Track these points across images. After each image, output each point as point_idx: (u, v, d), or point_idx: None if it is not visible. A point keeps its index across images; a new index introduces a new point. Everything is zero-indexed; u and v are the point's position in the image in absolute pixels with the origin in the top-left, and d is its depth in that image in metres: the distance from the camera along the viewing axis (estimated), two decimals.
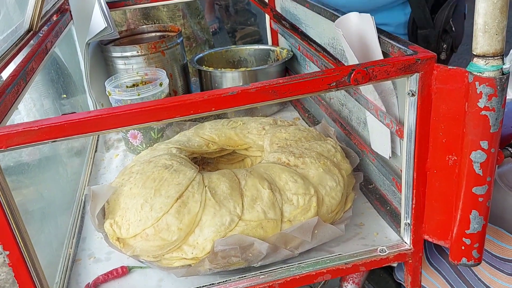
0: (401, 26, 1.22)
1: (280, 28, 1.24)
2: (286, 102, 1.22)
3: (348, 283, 1.01)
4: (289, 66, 1.22)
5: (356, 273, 0.99)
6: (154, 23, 1.65)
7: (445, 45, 1.18)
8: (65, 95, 1.00)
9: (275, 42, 1.35)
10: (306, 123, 1.13)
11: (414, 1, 1.14)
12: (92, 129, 0.50)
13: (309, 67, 1.11)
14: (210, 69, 1.13)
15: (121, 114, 0.49)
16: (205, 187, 0.69)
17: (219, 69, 1.14)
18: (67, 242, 0.77)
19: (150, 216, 0.66)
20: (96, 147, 1.09)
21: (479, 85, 0.51)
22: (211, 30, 3.59)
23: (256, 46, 1.31)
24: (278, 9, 1.27)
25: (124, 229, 0.68)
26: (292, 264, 0.68)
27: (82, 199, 0.89)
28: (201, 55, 1.25)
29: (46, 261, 0.69)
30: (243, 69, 1.12)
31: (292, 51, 1.19)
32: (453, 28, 1.18)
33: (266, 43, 1.37)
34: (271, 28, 1.32)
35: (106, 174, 0.98)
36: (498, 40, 0.49)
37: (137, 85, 1.02)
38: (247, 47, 1.31)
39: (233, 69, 1.12)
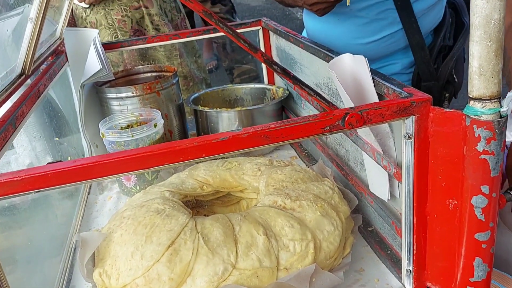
0: (407, 64, 1.24)
1: None
2: None
3: None
4: (285, 105, 1.21)
5: None
6: (151, 63, 1.66)
7: (447, 94, 1.20)
8: (57, 138, 0.99)
9: (271, 81, 1.36)
10: (304, 162, 1.11)
11: (419, 56, 1.16)
12: (78, 179, 0.48)
13: (305, 106, 1.10)
14: (206, 108, 1.13)
15: (108, 162, 0.47)
16: (198, 233, 0.66)
17: (215, 108, 1.13)
18: None
19: (141, 265, 0.64)
20: (90, 189, 1.06)
21: (477, 129, 0.50)
22: (209, 68, 3.65)
23: (252, 85, 1.31)
24: (273, 48, 1.28)
25: (114, 279, 0.65)
26: None
27: (72, 245, 0.86)
28: (197, 94, 1.24)
29: None
30: (239, 108, 1.11)
31: (288, 89, 1.19)
32: (456, 79, 1.20)
33: (263, 81, 1.38)
34: (267, 67, 1.33)
35: (98, 217, 0.96)
36: (494, 83, 0.48)
37: (132, 126, 1.01)
38: (243, 86, 1.31)
39: (229, 109, 1.11)
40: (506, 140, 0.52)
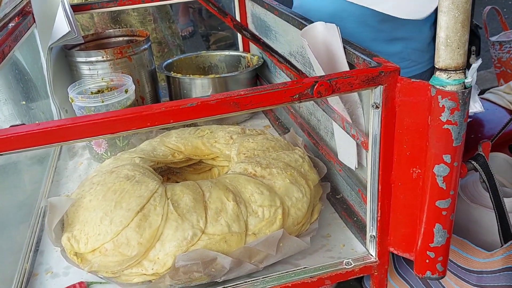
0: (427, 40, 1.15)
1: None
2: None
3: None
4: (259, 73, 1.21)
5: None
6: (123, 27, 1.61)
7: (473, 47, 1.15)
8: (24, 102, 0.96)
9: (246, 49, 1.34)
10: (277, 131, 1.11)
11: None
12: (41, 142, 0.47)
13: (279, 75, 1.10)
14: (179, 75, 1.11)
15: (72, 126, 0.47)
16: (168, 199, 0.66)
17: (188, 75, 1.12)
18: (23, 256, 0.74)
19: (110, 230, 0.64)
20: (60, 155, 1.05)
21: (442, 99, 0.51)
22: (185, 34, 3.57)
23: (226, 52, 1.29)
24: (249, 15, 1.26)
25: (83, 244, 0.65)
26: (256, 278, 0.66)
27: (41, 210, 0.85)
28: (170, 60, 1.22)
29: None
30: (213, 76, 1.10)
31: (262, 57, 1.18)
32: (479, 26, 1.13)
33: (239, 48, 1.36)
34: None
35: (68, 183, 0.95)
36: (460, 54, 0.49)
37: (102, 91, 0.99)
38: (218, 53, 1.29)
39: (202, 76, 1.10)
40: (470, 111, 0.53)
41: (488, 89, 1.34)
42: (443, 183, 0.55)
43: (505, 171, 0.81)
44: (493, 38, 1.44)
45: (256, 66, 1.15)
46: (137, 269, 0.63)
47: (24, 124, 0.48)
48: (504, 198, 0.64)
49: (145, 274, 0.64)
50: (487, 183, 0.60)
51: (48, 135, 0.46)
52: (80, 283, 0.69)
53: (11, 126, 0.48)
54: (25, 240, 0.77)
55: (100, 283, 0.69)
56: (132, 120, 0.48)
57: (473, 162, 0.59)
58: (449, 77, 0.50)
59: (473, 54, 1.22)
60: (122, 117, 0.48)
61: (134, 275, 0.64)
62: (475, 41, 1.14)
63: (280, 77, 1.09)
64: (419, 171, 0.58)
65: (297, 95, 0.53)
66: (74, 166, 1.01)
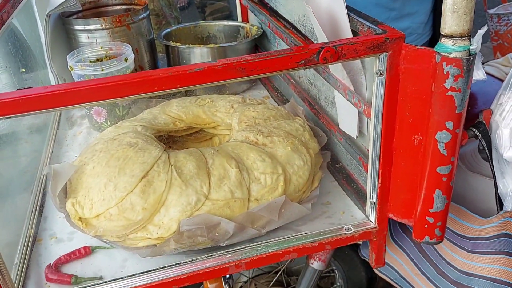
0: (428, 12, 1.23)
1: (250, 4, 1.21)
2: (255, 80, 1.20)
3: (315, 260, 1.03)
4: (258, 44, 1.20)
5: (322, 251, 1.01)
6: None
7: None
8: (24, 69, 0.95)
9: (245, 19, 1.32)
10: (275, 101, 1.12)
11: None
12: (50, 105, 0.47)
13: (279, 45, 1.09)
14: (178, 44, 1.10)
15: (81, 89, 0.47)
16: (171, 166, 0.67)
17: (187, 45, 1.11)
18: (27, 222, 0.75)
19: (114, 196, 0.64)
20: (59, 124, 1.05)
21: (446, 66, 0.51)
22: (181, 5, 3.52)
23: (225, 22, 1.28)
24: None
25: (87, 209, 0.66)
26: (259, 243, 0.67)
27: (43, 177, 0.86)
28: (168, 30, 1.21)
29: (4, 242, 0.67)
30: (212, 45, 1.09)
31: (262, 28, 1.17)
32: None
33: (236, 19, 1.35)
34: (241, 4, 1.29)
35: (69, 152, 0.95)
36: (466, 20, 0.49)
37: (101, 60, 0.98)
38: (217, 23, 1.28)
39: (202, 45, 1.09)
40: (473, 78, 0.54)
41: (484, 63, 1.34)
42: (444, 149, 0.56)
43: None
44: (491, 11, 1.44)
45: (256, 36, 1.14)
46: (142, 234, 0.65)
47: (31, 87, 0.48)
48: None
49: (150, 238, 0.65)
50: (486, 150, 0.61)
51: (57, 98, 0.46)
52: (85, 248, 0.70)
53: (18, 90, 0.48)
54: (28, 206, 0.78)
55: (105, 247, 0.71)
56: (140, 84, 0.48)
57: (474, 129, 0.60)
58: (454, 44, 0.50)
59: None
60: (131, 81, 0.48)
61: (139, 239, 0.65)
62: None
63: (280, 47, 1.09)
64: (421, 138, 0.59)
65: (303, 61, 0.53)
66: (73, 135, 1.01)
